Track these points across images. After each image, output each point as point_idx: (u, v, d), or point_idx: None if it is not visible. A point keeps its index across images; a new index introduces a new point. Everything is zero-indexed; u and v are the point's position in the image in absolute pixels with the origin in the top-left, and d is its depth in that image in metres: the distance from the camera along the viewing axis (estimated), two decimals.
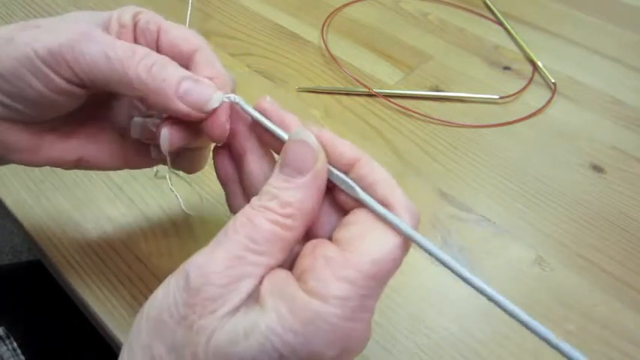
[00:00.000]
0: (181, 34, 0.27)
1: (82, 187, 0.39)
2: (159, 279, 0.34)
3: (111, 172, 0.40)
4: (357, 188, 0.22)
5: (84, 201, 0.38)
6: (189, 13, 0.56)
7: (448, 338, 0.32)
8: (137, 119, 0.28)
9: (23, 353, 0.41)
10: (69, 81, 0.24)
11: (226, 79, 0.26)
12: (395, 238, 0.21)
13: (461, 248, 0.37)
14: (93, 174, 0.40)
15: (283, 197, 0.21)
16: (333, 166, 0.23)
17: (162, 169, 0.39)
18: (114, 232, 0.36)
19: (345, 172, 0.23)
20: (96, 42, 0.24)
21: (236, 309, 0.20)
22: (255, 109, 0.25)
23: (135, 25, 0.27)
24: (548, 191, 0.42)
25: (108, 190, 0.39)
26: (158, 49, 0.27)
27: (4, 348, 0.41)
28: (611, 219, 0.40)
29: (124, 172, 0.40)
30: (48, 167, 0.39)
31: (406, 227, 0.20)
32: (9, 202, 0.37)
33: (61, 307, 0.43)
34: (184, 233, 0.36)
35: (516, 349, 0.32)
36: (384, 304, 0.34)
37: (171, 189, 0.39)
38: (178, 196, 0.38)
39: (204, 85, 0.25)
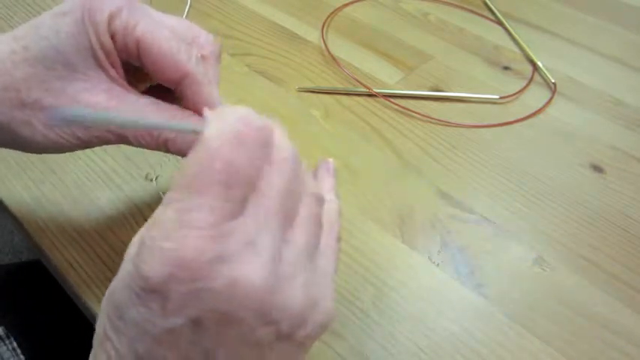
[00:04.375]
0: (162, 65, 0.26)
1: (82, 187, 0.39)
2: None
3: (111, 173, 0.40)
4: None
5: (84, 201, 0.38)
6: (186, 12, 0.56)
7: (448, 338, 0.32)
8: None
9: (23, 353, 0.41)
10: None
11: (216, 102, 0.28)
12: None
13: (461, 248, 0.37)
14: (93, 174, 0.40)
15: None
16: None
17: (151, 173, 0.39)
18: (114, 232, 0.36)
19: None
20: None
21: None
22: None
23: (113, 36, 0.26)
24: (548, 191, 0.42)
25: (108, 191, 0.39)
26: (145, 70, 0.27)
27: (4, 348, 0.41)
28: (611, 219, 0.40)
29: (125, 173, 0.40)
30: (48, 167, 0.40)
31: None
32: (9, 202, 0.37)
33: (61, 307, 0.43)
34: None
35: (516, 348, 0.32)
36: (384, 303, 0.34)
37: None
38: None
39: None
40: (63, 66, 0.25)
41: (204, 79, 0.27)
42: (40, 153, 0.28)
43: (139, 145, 0.27)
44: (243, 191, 0.19)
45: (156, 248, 0.18)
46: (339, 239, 0.24)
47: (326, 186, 0.26)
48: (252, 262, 0.18)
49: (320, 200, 0.23)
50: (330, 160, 0.27)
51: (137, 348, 0.19)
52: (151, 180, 0.39)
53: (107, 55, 0.26)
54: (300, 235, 0.21)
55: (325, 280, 0.22)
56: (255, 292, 0.18)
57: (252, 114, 0.20)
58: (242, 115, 0.19)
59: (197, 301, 0.18)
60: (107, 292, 0.21)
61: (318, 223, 0.23)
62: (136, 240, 0.20)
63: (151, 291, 0.18)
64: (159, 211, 0.18)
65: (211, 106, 0.26)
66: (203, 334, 0.18)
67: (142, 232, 0.19)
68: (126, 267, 0.19)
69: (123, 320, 0.19)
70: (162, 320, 0.18)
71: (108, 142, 0.28)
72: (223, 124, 0.19)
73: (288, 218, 0.21)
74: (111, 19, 0.25)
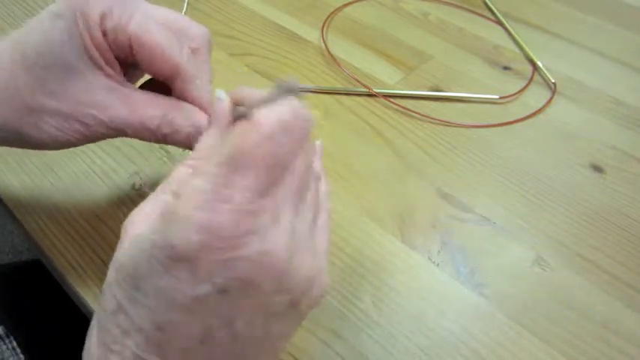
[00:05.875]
0: (155, 60, 0.26)
1: (82, 186, 0.39)
2: None
3: (111, 173, 0.40)
4: None
5: (84, 201, 0.38)
6: (184, 12, 0.56)
7: (448, 338, 0.32)
8: None
9: (23, 353, 0.41)
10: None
11: (209, 98, 0.28)
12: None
13: (461, 248, 0.37)
14: (93, 174, 0.40)
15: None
16: None
17: (138, 182, 0.39)
18: (114, 232, 0.36)
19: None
20: (111, 121, 0.27)
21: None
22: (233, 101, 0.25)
23: (105, 34, 0.26)
24: (548, 191, 0.42)
25: (108, 190, 0.39)
26: (139, 65, 0.27)
27: (4, 347, 0.41)
28: (611, 219, 0.40)
29: (124, 172, 0.40)
30: (47, 166, 0.40)
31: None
32: (8, 202, 0.37)
33: (61, 307, 0.43)
34: None
35: (516, 348, 0.32)
36: (384, 304, 0.34)
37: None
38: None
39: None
40: (61, 69, 0.26)
41: (194, 75, 0.28)
42: (42, 149, 0.29)
43: (138, 138, 0.28)
44: (280, 175, 0.20)
45: (187, 217, 0.18)
46: (330, 218, 0.26)
47: (318, 166, 0.27)
48: (277, 235, 0.20)
49: (318, 179, 0.25)
50: (319, 141, 0.28)
51: (157, 318, 0.20)
52: (137, 189, 0.39)
53: (102, 53, 0.26)
54: (307, 210, 0.23)
55: (322, 254, 0.23)
56: (278, 262, 0.20)
57: (300, 106, 0.21)
58: (293, 106, 0.20)
59: (226, 269, 0.19)
60: (113, 267, 0.21)
61: (317, 201, 0.24)
62: (139, 214, 0.22)
63: (181, 259, 0.19)
64: (184, 182, 0.20)
65: (201, 103, 0.28)
66: (226, 302, 0.20)
67: (161, 203, 0.21)
68: (143, 238, 0.20)
69: (140, 291, 0.20)
70: (190, 288, 0.19)
71: (108, 137, 0.28)
72: (275, 111, 0.20)
73: (302, 195, 0.22)
74: (102, 18, 0.26)
